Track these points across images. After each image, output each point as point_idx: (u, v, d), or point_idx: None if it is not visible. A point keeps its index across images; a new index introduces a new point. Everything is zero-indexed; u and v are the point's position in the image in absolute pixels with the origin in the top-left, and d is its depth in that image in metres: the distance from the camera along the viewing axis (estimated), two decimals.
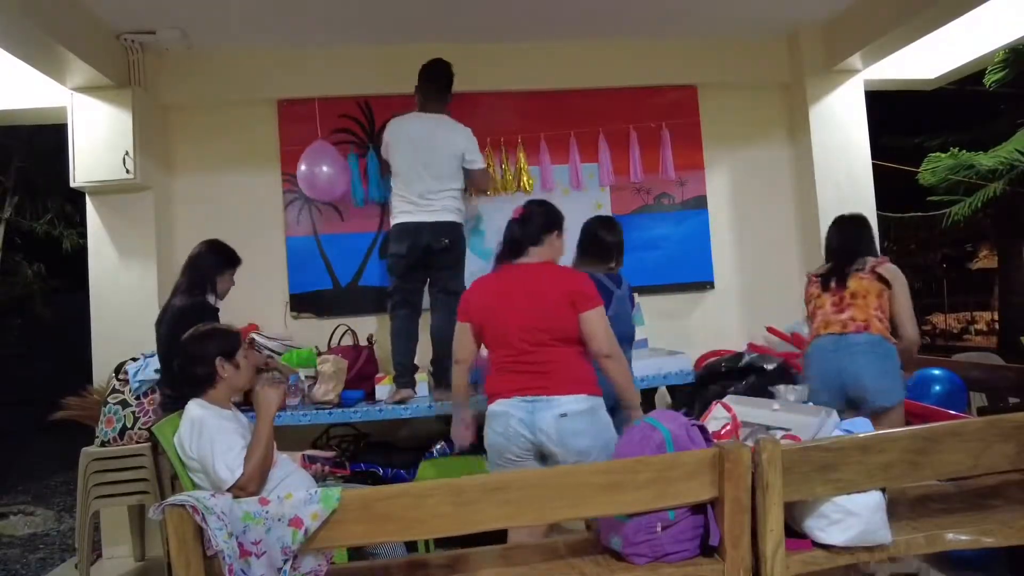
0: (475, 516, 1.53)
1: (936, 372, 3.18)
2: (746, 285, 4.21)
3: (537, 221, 2.37)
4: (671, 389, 3.54)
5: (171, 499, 1.48)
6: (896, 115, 7.53)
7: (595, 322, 2.25)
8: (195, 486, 2.00)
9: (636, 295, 3.58)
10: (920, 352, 3.09)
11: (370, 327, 3.72)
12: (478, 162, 3.26)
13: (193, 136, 3.87)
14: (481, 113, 3.82)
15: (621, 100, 4.11)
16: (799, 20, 4.01)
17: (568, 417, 2.17)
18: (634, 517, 1.63)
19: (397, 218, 3.21)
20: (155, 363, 3.01)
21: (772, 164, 4.29)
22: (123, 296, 3.55)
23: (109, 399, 3.13)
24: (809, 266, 4.21)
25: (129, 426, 3.07)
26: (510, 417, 2.21)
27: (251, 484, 1.91)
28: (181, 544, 1.45)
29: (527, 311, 2.24)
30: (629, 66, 4.07)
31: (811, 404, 2.28)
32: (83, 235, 4.38)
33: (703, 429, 1.79)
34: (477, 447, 3.11)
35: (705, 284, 4.19)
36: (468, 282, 3.30)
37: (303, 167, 3.51)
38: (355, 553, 2.30)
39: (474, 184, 3.40)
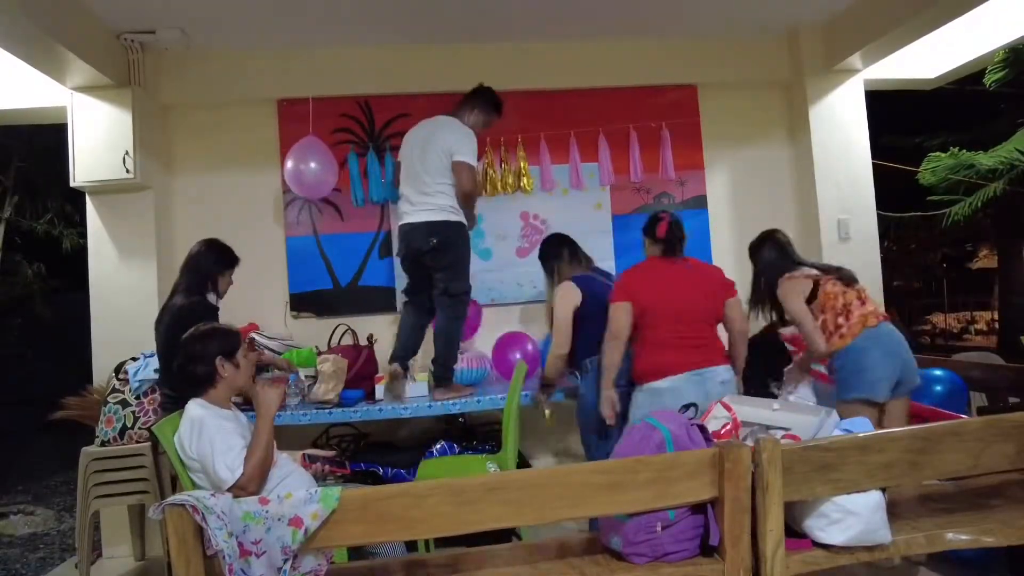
0: (475, 516, 1.53)
1: (936, 372, 3.18)
2: (746, 285, 4.18)
3: (681, 227, 2.89)
4: None
5: (171, 499, 1.48)
6: (896, 115, 7.52)
7: (737, 306, 2.82)
8: (195, 486, 2.00)
9: None
10: (920, 352, 3.10)
11: (370, 327, 3.72)
12: (461, 155, 3.12)
13: (193, 136, 3.87)
14: None
15: (621, 100, 4.11)
16: (799, 20, 4.01)
17: (724, 383, 2.63)
18: (634, 517, 1.63)
19: (400, 219, 3.25)
20: (155, 363, 3.01)
21: (772, 164, 4.29)
22: (123, 296, 3.55)
23: (109, 399, 3.13)
24: None
25: (129, 426, 3.07)
26: (682, 391, 2.58)
27: (251, 484, 1.91)
28: (181, 544, 1.45)
29: (690, 296, 2.71)
30: (629, 66, 4.07)
31: (865, 396, 2.56)
32: (83, 235, 4.38)
33: (703, 429, 1.79)
34: (478, 447, 3.12)
35: None
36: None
37: (290, 164, 3.50)
38: (355, 553, 2.30)
39: (458, 182, 3.12)
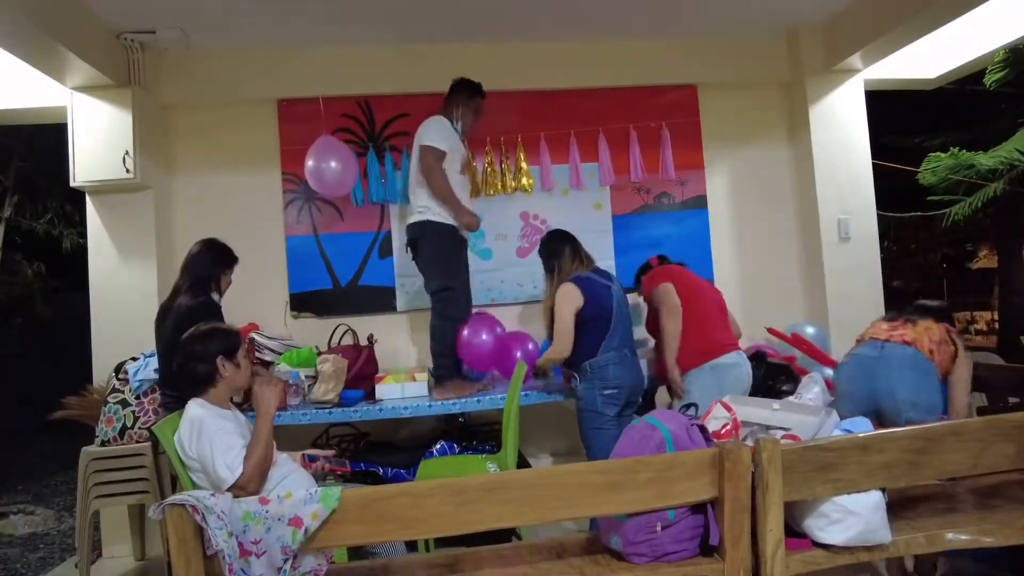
0: (475, 516, 1.53)
1: None
2: (746, 285, 4.21)
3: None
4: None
5: (171, 499, 1.48)
6: (896, 115, 7.52)
7: None
8: (195, 486, 1.99)
9: (637, 294, 3.58)
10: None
11: (370, 327, 3.72)
12: (423, 140, 3.14)
13: (193, 136, 3.87)
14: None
15: (621, 100, 4.12)
16: (799, 20, 4.01)
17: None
18: (634, 517, 1.63)
19: None
20: (155, 363, 3.01)
21: (772, 164, 4.29)
22: (123, 296, 3.55)
23: (109, 399, 3.13)
24: (809, 266, 4.23)
25: (129, 426, 3.07)
26: (741, 367, 2.93)
27: (251, 484, 1.91)
28: (181, 544, 1.45)
29: (713, 292, 3.10)
30: (629, 66, 4.07)
31: None
32: (83, 235, 4.38)
33: (703, 429, 1.79)
34: (478, 447, 3.12)
35: None
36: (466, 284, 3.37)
37: (311, 162, 3.48)
38: (355, 553, 2.30)
39: (420, 167, 3.13)
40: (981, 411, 3.16)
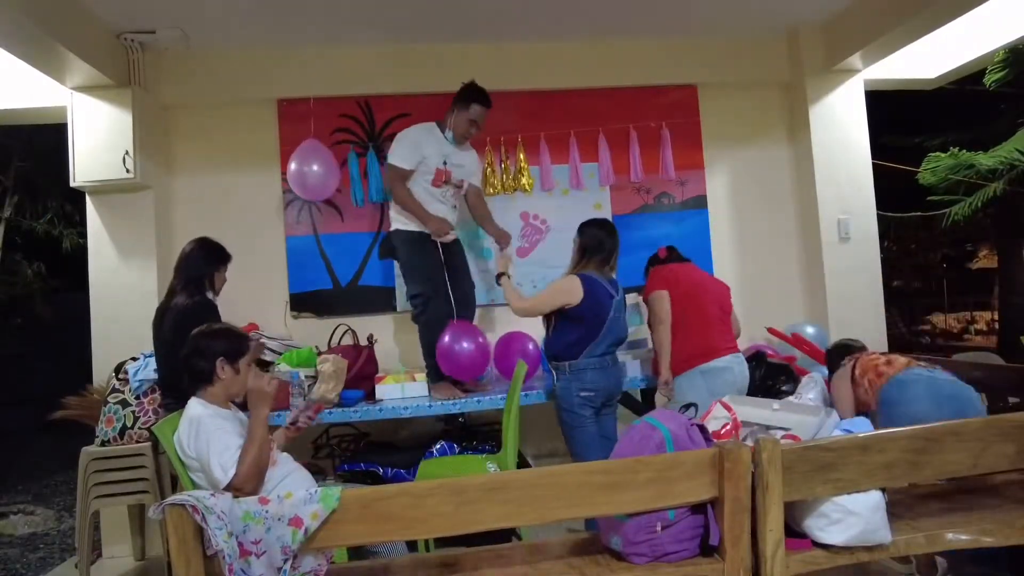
0: (475, 516, 1.53)
1: None
2: (746, 285, 4.21)
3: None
4: None
5: (171, 499, 1.48)
6: (896, 115, 7.52)
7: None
8: (195, 486, 1.99)
9: (636, 295, 3.58)
10: (920, 352, 3.09)
11: (370, 327, 3.71)
12: (389, 153, 3.25)
13: (193, 136, 3.87)
14: None
15: (621, 100, 4.12)
16: (799, 20, 4.01)
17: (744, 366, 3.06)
18: (634, 517, 1.63)
19: None
20: (155, 363, 3.01)
21: (772, 164, 4.29)
22: (123, 296, 3.55)
23: (109, 399, 3.13)
24: (809, 266, 4.23)
25: (129, 426, 3.07)
26: (734, 370, 2.97)
27: (247, 484, 1.89)
28: (181, 544, 1.45)
29: (713, 286, 3.13)
30: (629, 66, 4.07)
31: None
32: (83, 235, 4.38)
33: (703, 429, 1.79)
34: (478, 447, 3.12)
35: None
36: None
37: (293, 166, 3.51)
38: (355, 552, 2.30)
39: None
40: None
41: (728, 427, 1.92)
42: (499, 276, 3.12)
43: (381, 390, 3.21)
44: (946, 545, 1.75)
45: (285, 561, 1.49)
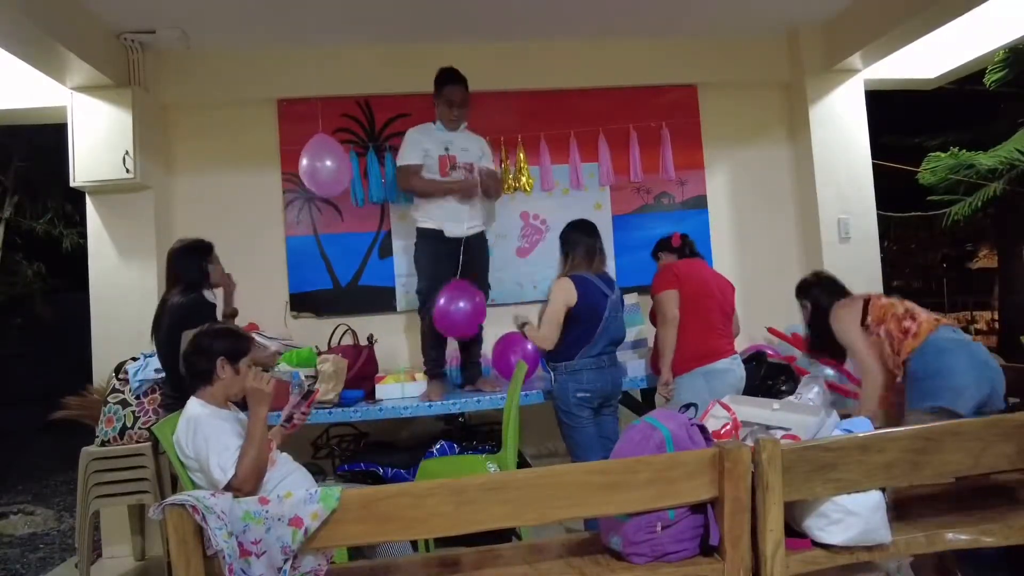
0: (475, 516, 1.53)
1: None
2: (746, 285, 4.19)
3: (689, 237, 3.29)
4: None
5: (171, 499, 1.48)
6: (896, 115, 7.52)
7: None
8: (195, 486, 1.99)
9: (636, 295, 3.58)
10: None
11: (370, 327, 3.71)
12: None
13: (193, 136, 3.87)
14: (481, 113, 3.81)
15: (621, 100, 4.11)
16: (799, 20, 4.01)
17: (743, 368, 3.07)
18: (634, 517, 1.63)
19: None
20: (155, 363, 3.01)
21: (772, 164, 4.29)
22: (123, 296, 3.55)
23: (109, 399, 3.13)
24: (809, 266, 4.22)
25: (129, 426, 3.07)
26: (735, 372, 2.98)
27: (245, 485, 1.89)
28: (181, 544, 1.44)
29: (721, 287, 3.07)
30: (629, 66, 4.07)
31: (946, 405, 2.27)
32: (83, 235, 4.38)
33: (703, 429, 1.79)
34: (478, 447, 3.12)
35: None
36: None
37: (305, 161, 3.49)
38: (356, 552, 2.30)
39: None
40: None
41: (728, 427, 1.92)
42: (521, 327, 3.08)
43: (381, 390, 3.21)
44: (946, 545, 1.75)
45: (285, 561, 1.49)
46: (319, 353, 3.33)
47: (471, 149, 3.33)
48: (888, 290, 4.29)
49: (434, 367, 3.23)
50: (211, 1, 3.28)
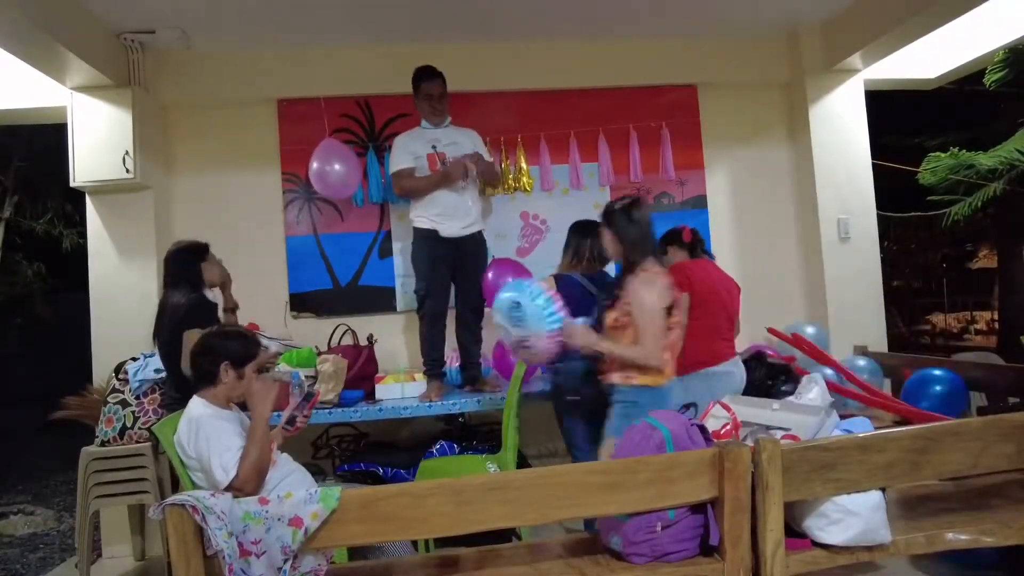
0: (475, 516, 1.53)
1: (936, 372, 3.18)
2: (746, 285, 4.17)
3: (699, 232, 3.19)
4: None
5: (171, 499, 1.48)
6: (896, 115, 7.52)
7: None
8: (195, 486, 1.99)
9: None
10: (920, 352, 3.08)
11: (370, 327, 3.71)
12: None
13: (193, 136, 3.86)
14: (481, 113, 3.83)
15: (621, 100, 4.11)
16: (799, 20, 4.01)
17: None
18: (634, 517, 1.63)
19: None
20: (155, 363, 3.01)
21: (772, 164, 4.29)
22: (123, 296, 3.55)
23: (109, 399, 3.13)
24: (809, 266, 4.22)
25: (129, 426, 3.07)
26: (735, 374, 2.90)
27: (247, 485, 1.89)
28: (181, 544, 1.45)
29: (728, 289, 3.00)
30: (629, 66, 4.07)
31: None
32: (83, 235, 4.38)
33: (703, 429, 1.79)
34: (478, 447, 3.12)
35: None
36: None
37: (315, 164, 3.51)
38: (356, 552, 2.30)
39: None
40: (981, 411, 3.16)
41: (728, 427, 1.92)
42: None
43: (381, 390, 3.21)
44: (946, 545, 1.75)
45: (285, 561, 1.49)
46: (319, 353, 3.33)
47: (461, 142, 3.32)
48: (888, 290, 4.30)
49: (434, 367, 3.23)
50: (211, 1, 3.27)
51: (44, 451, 6.44)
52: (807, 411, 1.92)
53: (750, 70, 4.20)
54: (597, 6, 3.61)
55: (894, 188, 6.56)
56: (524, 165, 4.02)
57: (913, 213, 8.04)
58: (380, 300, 3.92)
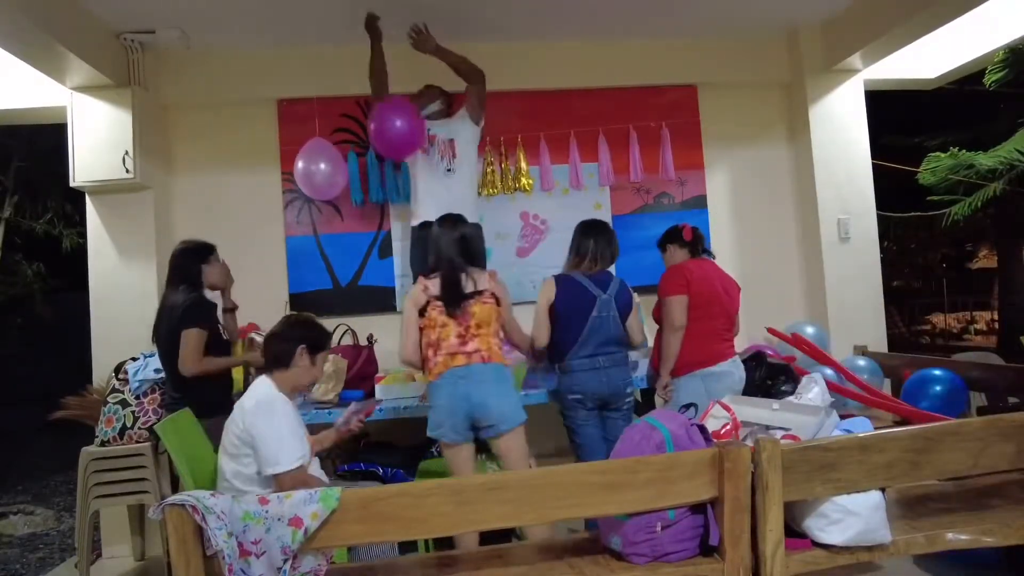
0: (475, 516, 1.53)
1: (936, 372, 3.18)
2: (746, 285, 4.17)
3: (700, 231, 3.16)
4: None
5: (171, 499, 1.48)
6: (896, 115, 7.52)
7: None
8: (196, 485, 1.99)
9: (636, 295, 3.57)
10: (920, 352, 3.08)
11: (370, 327, 3.71)
12: None
13: (193, 136, 3.87)
14: None
15: (621, 100, 4.11)
16: (799, 20, 4.01)
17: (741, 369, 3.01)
18: (634, 517, 1.63)
19: None
20: (155, 363, 3.01)
21: (772, 164, 4.29)
22: (123, 296, 3.55)
23: (109, 399, 3.13)
24: (809, 266, 4.22)
25: (129, 426, 3.07)
26: (734, 375, 2.92)
27: (285, 486, 1.92)
28: (181, 544, 1.45)
29: (727, 290, 2.99)
30: (629, 66, 4.07)
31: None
32: (83, 235, 4.38)
33: (703, 429, 1.79)
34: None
35: None
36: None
37: (300, 164, 3.51)
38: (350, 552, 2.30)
39: None
40: (981, 411, 3.16)
41: (728, 427, 1.92)
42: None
43: (381, 390, 3.20)
44: (946, 545, 1.75)
45: (285, 561, 1.49)
46: None
47: (450, 123, 3.46)
48: (888, 290, 4.31)
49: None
50: (211, 1, 3.27)
51: (44, 451, 6.44)
52: (807, 411, 1.92)
53: (750, 70, 4.20)
54: (597, 7, 3.62)
55: (894, 188, 6.56)
56: (524, 165, 4.02)
57: (913, 213, 8.04)
58: (380, 300, 3.92)
